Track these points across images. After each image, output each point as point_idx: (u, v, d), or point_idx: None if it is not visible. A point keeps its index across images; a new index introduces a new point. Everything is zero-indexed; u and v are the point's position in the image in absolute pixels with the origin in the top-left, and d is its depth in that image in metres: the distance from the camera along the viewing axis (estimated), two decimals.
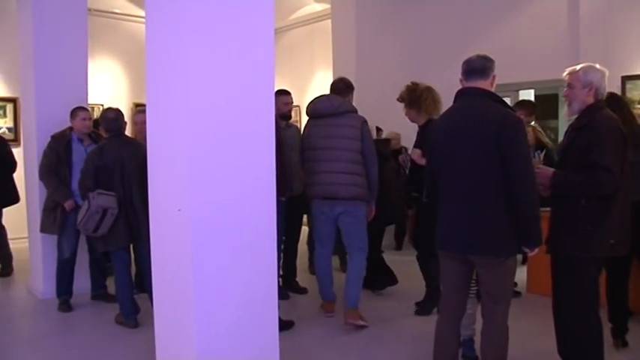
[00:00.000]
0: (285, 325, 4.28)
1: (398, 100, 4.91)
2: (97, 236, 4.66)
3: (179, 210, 2.90)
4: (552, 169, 3.26)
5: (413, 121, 4.90)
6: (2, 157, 6.43)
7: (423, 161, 4.60)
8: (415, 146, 4.86)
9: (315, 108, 4.92)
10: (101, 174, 4.62)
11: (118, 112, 4.88)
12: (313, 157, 4.80)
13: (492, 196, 2.95)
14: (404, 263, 6.16)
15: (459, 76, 3.20)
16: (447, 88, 5.61)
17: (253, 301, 3.10)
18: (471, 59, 3.14)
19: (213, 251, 2.91)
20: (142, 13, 8.91)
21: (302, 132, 5.26)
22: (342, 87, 5.03)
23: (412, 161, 4.85)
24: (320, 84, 10.00)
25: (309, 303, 5.44)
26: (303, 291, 5.79)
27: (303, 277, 6.11)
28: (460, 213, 3.05)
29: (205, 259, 2.89)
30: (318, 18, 9.89)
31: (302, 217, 6.11)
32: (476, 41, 7.09)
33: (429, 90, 4.80)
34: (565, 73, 3.32)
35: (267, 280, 3.16)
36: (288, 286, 5.70)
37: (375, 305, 5.21)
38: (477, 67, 3.10)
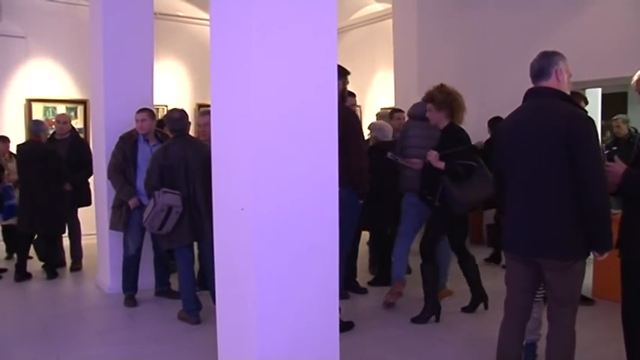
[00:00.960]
0: (345, 326, 4.29)
1: (424, 99, 4.90)
2: (162, 234, 4.78)
3: (242, 209, 2.93)
4: (625, 166, 3.11)
5: (435, 122, 4.84)
6: (82, 159, 6.73)
7: (440, 164, 4.59)
8: (434, 148, 4.75)
9: (418, 110, 5.23)
10: (166, 173, 4.73)
11: (182, 113, 5.00)
12: (413, 155, 5.04)
13: (560, 197, 2.87)
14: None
15: (524, 76, 3.13)
16: (510, 88, 5.50)
17: (314, 302, 3.10)
18: (532, 63, 3.07)
19: (275, 251, 2.93)
20: (205, 16, 9.11)
21: (403, 131, 5.53)
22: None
23: (426, 164, 4.74)
24: (381, 84, 9.98)
25: (369, 303, 5.43)
26: (363, 291, 5.78)
27: (363, 277, 6.11)
28: (525, 214, 2.98)
29: (268, 259, 2.91)
30: (378, 18, 9.85)
31: None
32: (540, 41, 6.87)
33: (459, 95, 4.82)
34: (634, 80, 3.19)
35: (329, 280, 3.15)
36: (348, 286, 5.70)
37: None
38: (536, 71, 3.03)
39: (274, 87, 2.89)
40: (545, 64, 3.02)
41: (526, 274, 3.10)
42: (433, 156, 4.64)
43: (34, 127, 6.49)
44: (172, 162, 4.73)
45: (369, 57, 10.11)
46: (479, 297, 5.00)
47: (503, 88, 5.37)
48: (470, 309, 4.99)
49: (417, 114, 5.26)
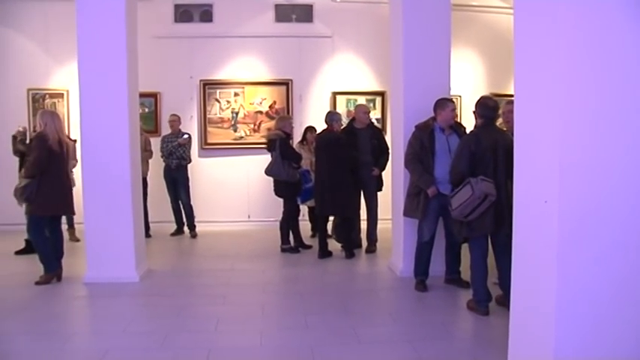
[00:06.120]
0: None
1: None
2: (467, 221, 4.71)
3: (545, 201, 2.86)
4: None
5: None
6: (382, 147, 7.22)
7: None
8: None
9: None
10: (476, 160, 4.69)
11: (496, 102, 4.99)
12: None
13: None
14: None
15: None
16: None
17: (617, 303, 2.90)
18: None
19: (578, 247, 2.80)
20: (500, 4, 8.90)
21: None
22: None
23: None
24: None
25: None
26: None
27: None
28: None
29: (570, 254, 2.80)
30: None
31: None
32: None
33: None
34: None
35: (634, 282, 2.91)
36: None
37: None
38: None
39: (582, 78, 2.77)
40: None
41: None
42: None
43: (327, 117, 7.15)
44: (484, 149, 4.68)
45: None
46: None
47: None
48: None
49: None
